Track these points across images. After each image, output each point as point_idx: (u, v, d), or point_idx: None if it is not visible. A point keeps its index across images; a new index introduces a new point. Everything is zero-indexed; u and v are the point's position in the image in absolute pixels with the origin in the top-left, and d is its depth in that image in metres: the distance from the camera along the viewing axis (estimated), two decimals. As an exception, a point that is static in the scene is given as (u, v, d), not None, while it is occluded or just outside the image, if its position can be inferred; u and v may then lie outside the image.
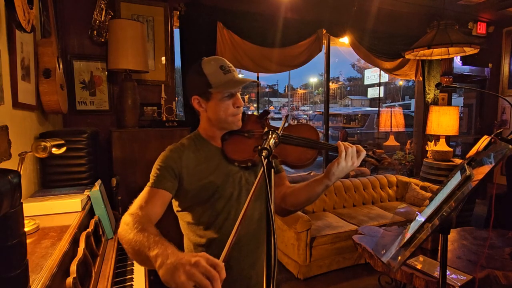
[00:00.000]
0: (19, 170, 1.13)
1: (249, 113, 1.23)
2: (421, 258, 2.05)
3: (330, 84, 4.30)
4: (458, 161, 3.96)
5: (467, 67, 4.76)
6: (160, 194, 1.01)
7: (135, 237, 0.79)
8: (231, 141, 1.11)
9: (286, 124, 1.10)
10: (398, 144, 5.04)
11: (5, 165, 1.20)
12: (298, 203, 1.15)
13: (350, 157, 1.04)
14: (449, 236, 1.05)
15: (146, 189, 1.02)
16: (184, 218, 1.14)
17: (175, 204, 1.13)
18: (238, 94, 1.09)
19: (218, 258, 0.64)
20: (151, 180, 1.04)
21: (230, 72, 1.07)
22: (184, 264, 0.61)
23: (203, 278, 0.59)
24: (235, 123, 1.10)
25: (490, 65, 4.76)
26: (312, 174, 3.99)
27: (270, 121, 1.19)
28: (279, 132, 0.86)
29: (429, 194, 3.57)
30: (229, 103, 1.06)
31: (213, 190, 1.07)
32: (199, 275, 0.59)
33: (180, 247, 1.12)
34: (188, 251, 1.15)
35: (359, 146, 1.08)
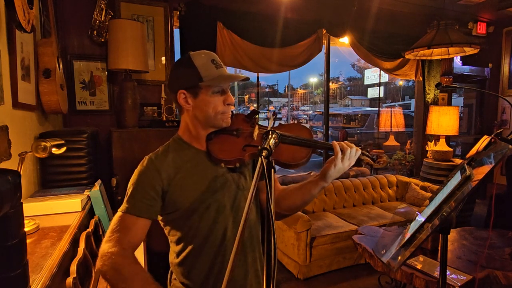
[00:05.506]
0: (19, 170, 1.13)
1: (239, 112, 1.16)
2: (421, 258, 2.05)
3: (330, 84, 4.30)
4: (458, 161, 3.96)
5: (467, 67, 4.75)
6: (141, 223, 0.94)
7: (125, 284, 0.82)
8: (217, 140, 1.03)
9: (277, 123, 1.07)
10: (398, 144, 5.04)
11: (5, 165, 1.20)
12: (294, 206, 1.11)
13: (347, 157, 1.00)
14: (449, 236, 1.05)
15: (123, 216, 0.93)
16: (170, 231, 1.06)
17: (159, 218, 1.05)
18: (229, 91, 1.03)
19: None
20: (128, 204, 0.94)
21: (222, 67, 1.00)
22: None
23: None
24: (224, 121, 1.02)
25: (490, 65, 4.76)
26: (312, 174, 3.99)
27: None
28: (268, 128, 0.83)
29: (429, 194, 3.57)
30: (219, 99, 0.99)
31: (202, 199, 1.00)
32: None
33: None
34: (173, 259, 1.09)
35: (353, 145, 1.04)
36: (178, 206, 0.99)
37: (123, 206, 0.95)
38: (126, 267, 0.85)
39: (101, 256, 0.87)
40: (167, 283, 1.14)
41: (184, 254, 1.04)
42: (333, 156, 1.01)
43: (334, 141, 1.02)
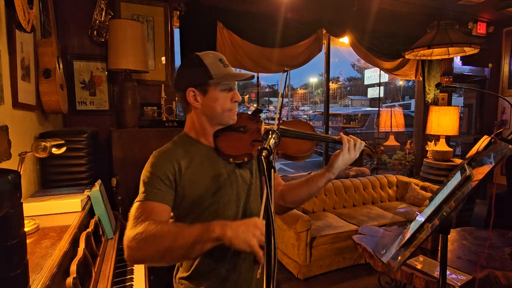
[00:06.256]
0: (19, 170, 1.13)
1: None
2: (421, 258, 2.05)
3: (330, 84, 4.30)
4: (458, 161, 3.96)
5: (467, 67, 4.76)
6: (162, 207, 0.94)
7: (173, 237, 0.82)
8: (225, 137, 1.06)
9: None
10: (398, 144, 5.04)
11: (5, 165, 1.20)
12: (299, 199, 1.15)
13: (352, 148, 1.09)
14: (449, 236, 1.05)
15: (142, 203, 0.93)
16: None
17: None
18: (236, 89, 1.07)
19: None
20: (144, 193, 0.94)
21: (228, 66, 1.05)
22: (250, 229, 0.81)
23: (262, 237, 0.79)
24: (231, 118, 1.05)
25: (490, 65, 4.76)
26: (312, 174, 3.99)
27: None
28: (281, 92, 0.90)
29: (429, 194, 3.57)
30: (227, 96, 1.03)
31: (210, 193, 1.01)
32: (261, 236, 0.80)
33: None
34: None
35: (355, 137, 1.13)
36: (188, 200, 1.01)
37: (140, 196, 0.95)
38: (166, 226, 0.85)
39: (131, 240, 0.83)
40: (173, 279, 1.15)
41: None
42: (340, 149, 1.10)
43: (342, 134, 1.11)
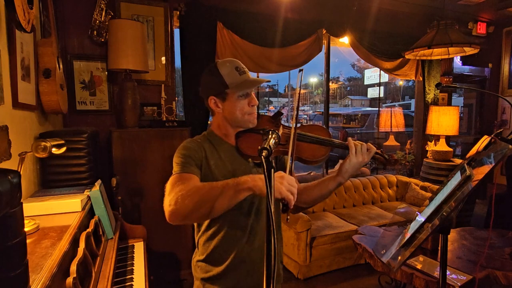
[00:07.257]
0: (19, 170, 1.13)
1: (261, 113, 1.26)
2: (421, 258, 2.05)
3: (330, 84, 4.30)
4: (458, 161, 3.95)
5: (467, 67, 4.75)
6: (195, 179, 1.01)
7: (211, 188, 0.90)
8: (246, 138, 1.14)
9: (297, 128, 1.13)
10: (398, 144, 5.04)
11: (5, 165, 1.20)
12: (311, 200, 1.21)
13: (360, 153, 1.11)
14: (449, 236, 1.05)
15: (177, 175, 1.01)
16: None
17: None
18: (253, 93, 1.14)
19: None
20: (180, 168, 1.02)
21: (245, 73, 1.12)
22: (277, 179, 0.85)
23: (289, 185, 0.85)
24: (250, 121, 1.13)
25: (490, 65, 4.75)
26: (312, 174, 4.00)
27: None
28: (294, 115, 0.93)
29: (429, 194, 3.57)
30: (244, 102, 1.11)
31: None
32: (287, 185, 0.85)
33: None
34: (199, 237, 1.18)
35: (369, 144, 1.15)
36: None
37: (176, 169, 1.03)
38: (202, 183, 0.94)
39: (172, 197, 0.90)
40: (191, 262, 1.21)
41: (209, 232, 1.12)
42: (348, 154, 1.13)
43: (349, 138, 1.15)
